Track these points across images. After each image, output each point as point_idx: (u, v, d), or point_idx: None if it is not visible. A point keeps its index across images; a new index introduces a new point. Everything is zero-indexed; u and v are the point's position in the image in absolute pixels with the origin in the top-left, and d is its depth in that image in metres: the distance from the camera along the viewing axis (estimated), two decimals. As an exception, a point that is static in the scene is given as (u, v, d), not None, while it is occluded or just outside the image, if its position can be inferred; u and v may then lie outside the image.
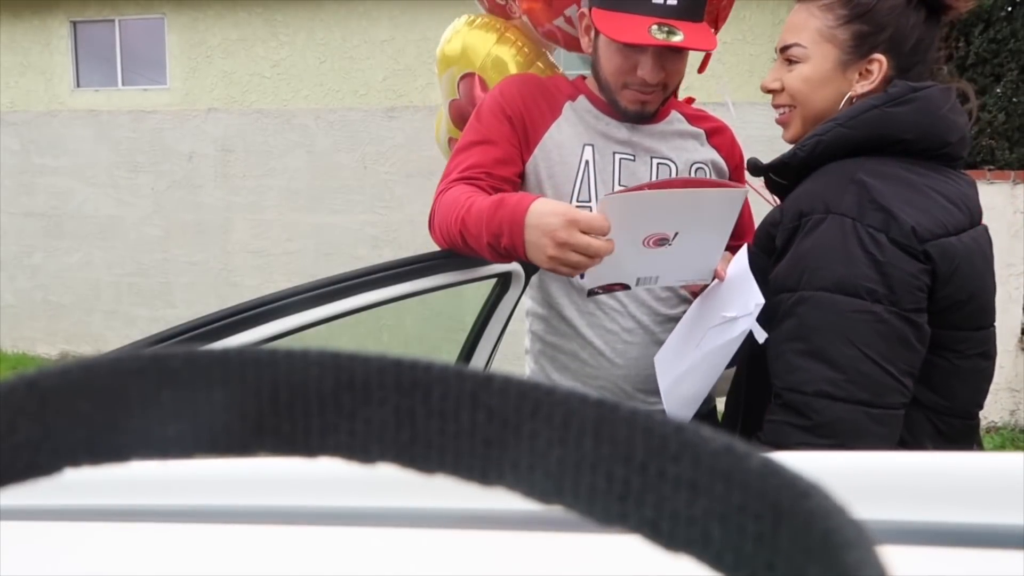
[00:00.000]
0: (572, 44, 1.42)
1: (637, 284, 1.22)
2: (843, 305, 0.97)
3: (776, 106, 1.17)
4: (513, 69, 1.47)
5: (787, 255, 1.04)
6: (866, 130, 1.04)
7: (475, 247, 1.19)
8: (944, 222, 1.01)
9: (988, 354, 1.09)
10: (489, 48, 1.46)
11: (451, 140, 1.67)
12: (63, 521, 0.49)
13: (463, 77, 1.52)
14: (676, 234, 1.12)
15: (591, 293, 1.24)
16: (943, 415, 1.05)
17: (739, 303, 1.15)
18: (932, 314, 1.00)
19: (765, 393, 1.13)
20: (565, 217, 1.06)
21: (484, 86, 1.50)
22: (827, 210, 1.01)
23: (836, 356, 0.97)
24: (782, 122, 1.17)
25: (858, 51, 1.08)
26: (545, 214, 1.08)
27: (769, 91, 1.16)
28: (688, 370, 1.21)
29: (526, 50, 1.45)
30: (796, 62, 1.11)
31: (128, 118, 6.59)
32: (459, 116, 1.60)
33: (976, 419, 1.11)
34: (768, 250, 1.11)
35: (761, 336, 1.09)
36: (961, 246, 1.01)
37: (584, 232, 1.05)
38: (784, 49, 1.13)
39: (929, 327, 1.00)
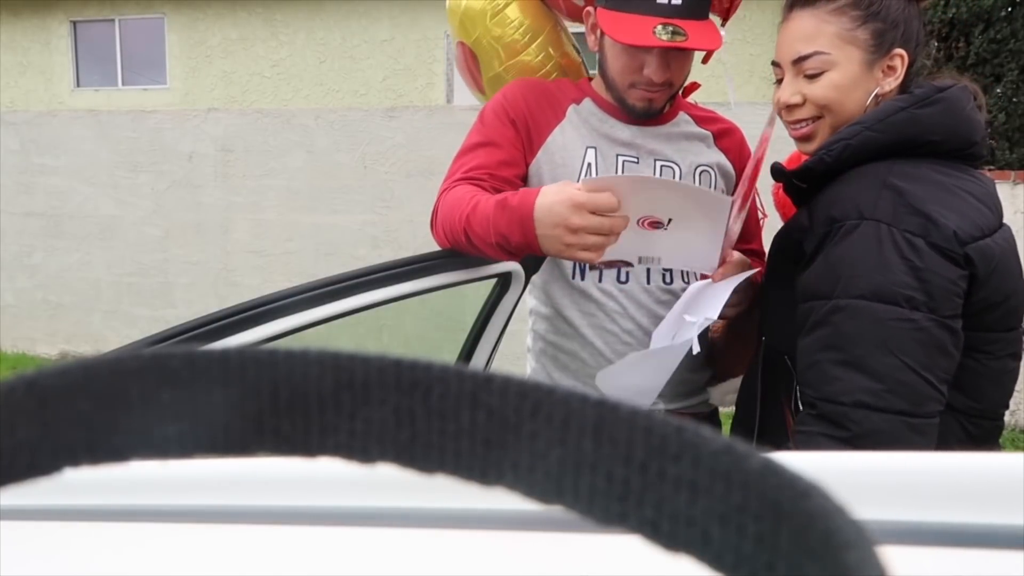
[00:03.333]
0: (574, 13, 1.40)
1: (639, 263, 1.23)
2: (881, 313, 0.95)
3: (797, 121, 1.12)
4: (498, 54, 1.42)
5: (817, 261, 1.02)
6: (895, 133, 1.02)
7: (481, 247, 1.19)
8: (980, 224, 0.99)
9: (1017, 354, 1.07)
10: (483, 30, 1.42)
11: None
12: (63, 521, 0.49)
13: (459, 42, 1.49)
14: (670, 220, 1.13)
15: (592, 267, 1.26)
16: (973, 417, 1.03)
17: (704, 311, 1.18)
18: (966, 317, 0.98)
19: (783, 401, 1.12)
20: (572, 202, 1.06)
21: (475, 62, 1.47)
22: (861, 216, 0.98)
23: (875, 366, 0.95)
24: (806, 135, 1.12)
25: (880, 49, 1.06)
26: (552, 205, 1.08)
27: (789, 106, 1.12)
28: (640, 361, 1.24)
29: (519, 32, 1.41)
30: (818, 72, 1.08)
31: (128, 118, 6.59)
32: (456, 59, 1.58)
33: (1002, 419, 1.09)
34: (793, 257, 1.08)
35: (695, 348, 1.14)
36: (997, 247, 1.00)
37: (593, 212, 1.06)
38: (800, 60, 1.08)
39: (962, 330, 0.98)
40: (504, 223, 1.13)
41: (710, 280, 1.23)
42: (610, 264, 1.23)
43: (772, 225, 1.35)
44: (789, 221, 1.14)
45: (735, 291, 1.22)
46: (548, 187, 1.15)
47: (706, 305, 1.20)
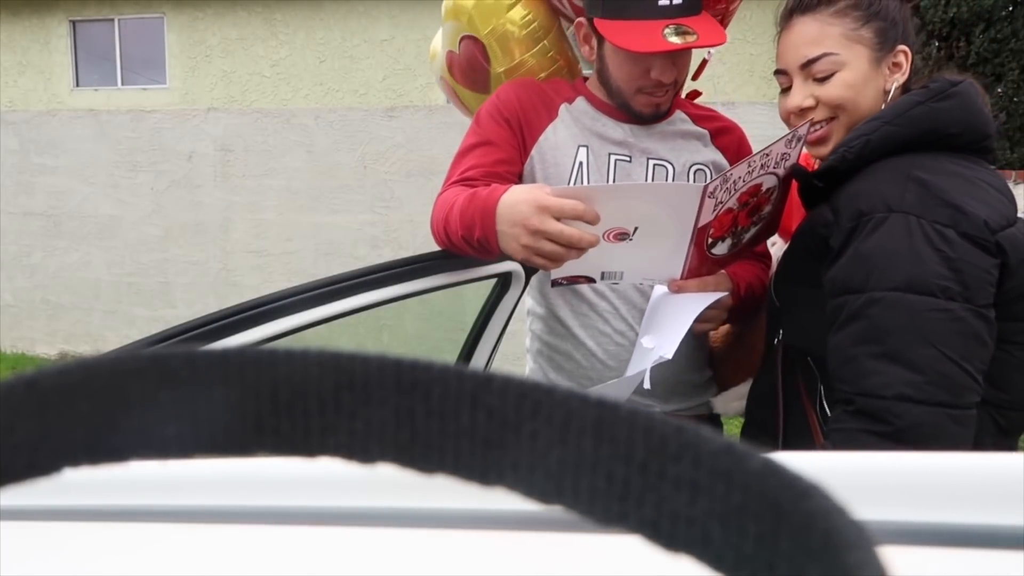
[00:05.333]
0: (581, 12, 1.40)
1: (602, 279, 1.22)
2: (917, 305, 0.94)
3: (810, 124, 1.12)
4: (516, 44, 1.42)
5: (846, 255, 1.01)
6: (914, 127, 1.03)
7: (457, 243, 1.19)
8: (1004, 213, 1.00)
9: None
10: (499, 21, 1.42)
11: (442, 79, 1.63)
12: (63, 521, 0.49)
13: (466, 38, 1.49)
14: (636, 229, 1.11)
15: (555, 283, 1.24)
16: (1003, 409, 1.03)
17: (661, 338, 1.18)
18: (996, 306, 0.98)
19: (806, 402, 1.11)
20: (536, 203, 1.04)
21: (484, 55, 1.47)
22: (889, 208, 0.98)
23: (914, 358, 0.94)
24: (821, 137, 1.12)
25: (884, 47, 1.08)
26: (516, 203, 1.07)
27: (802, 110, 1.11)
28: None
29: (536, 24, 1.42)
30: (827, 74, 1.08)
31: (127, 118, 6.59)
32: (455, 67, 1.58)
33: None
34: (816, 253, 1.07)
35: (646, 383, 1.15)
36: (1021, 236, 1.00)
37: (557, 219, 1.03)
38: (808, 64, 1.09)
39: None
40: (470, 214, 1.13)
41: (672, 289, 1.22)
42: (573, 279, 1.22)
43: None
44: (809, 218, 1.13)
45: (709, 307, 1.20)
46: (519, 186, 1.14)
47: (668, 329, 1.19)
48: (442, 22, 1.55)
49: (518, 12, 1.42)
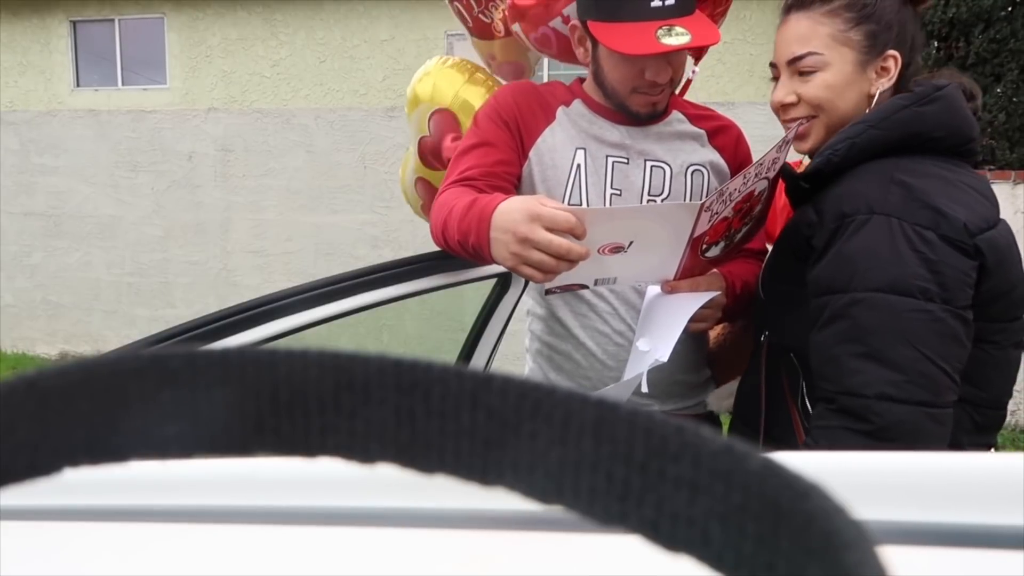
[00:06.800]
0: (566, 50, 1.41)
1: (595, 284, 1.22)
2: (898, 305, 0.96)
3: (792, 120, 1.14)
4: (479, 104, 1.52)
5: (829, 255, 1.03)
6: (899, 130, 1.05)
7: (454, 248, 1.19)
8: (985, 216, 1.01)
9: (1020, 343, 1.09)
10: (458, 88, 1.50)
11: (419, 180, 1.71)
12: (63, 521, 0.49)
13: (435, 113, 1.55)
14: (631, 243, 1.11)
15: (548, 292, 1.23)
16: (980, 407, 1.05)
17: (656, 341, 1.18)
18: (974, 307, 1.00)
19: (788, 399, 1.12)
20: (528, 213, 1.03)
21: (456, 122, 1.53)
22: (871, 210, 1.00)
23: (895, 357, 0.96)
24: (802, 134, 1.13)
25: (873, 50, 1.09)
26: (510, 211, 1.06)
27: (784, 106, 1.14)
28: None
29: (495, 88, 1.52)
30: (811, 72, 1.10)
31: (128, 118, 6.59)
32: (429, 153, 1.64)
33: (1005, 409, 1.11)
34: (800, 253, 1.09)
35: (644, 387, 1.15)
36: (1001, 238, 1.02)
37: (549, 229, 1.02)
38: (794, 61, 1.11)
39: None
40: (467, 221, 1.12)
41: (664, 291, 1.22)
42: (566, 288, 1.21)
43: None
44: (794, 218, 1.14)
45: (703, 306, 1.20)
46: (518, 196, 1.13)
47: (663, 331, 1.19)
48: (407, 118, 1.64)
49: (475, 83, 1.56)
